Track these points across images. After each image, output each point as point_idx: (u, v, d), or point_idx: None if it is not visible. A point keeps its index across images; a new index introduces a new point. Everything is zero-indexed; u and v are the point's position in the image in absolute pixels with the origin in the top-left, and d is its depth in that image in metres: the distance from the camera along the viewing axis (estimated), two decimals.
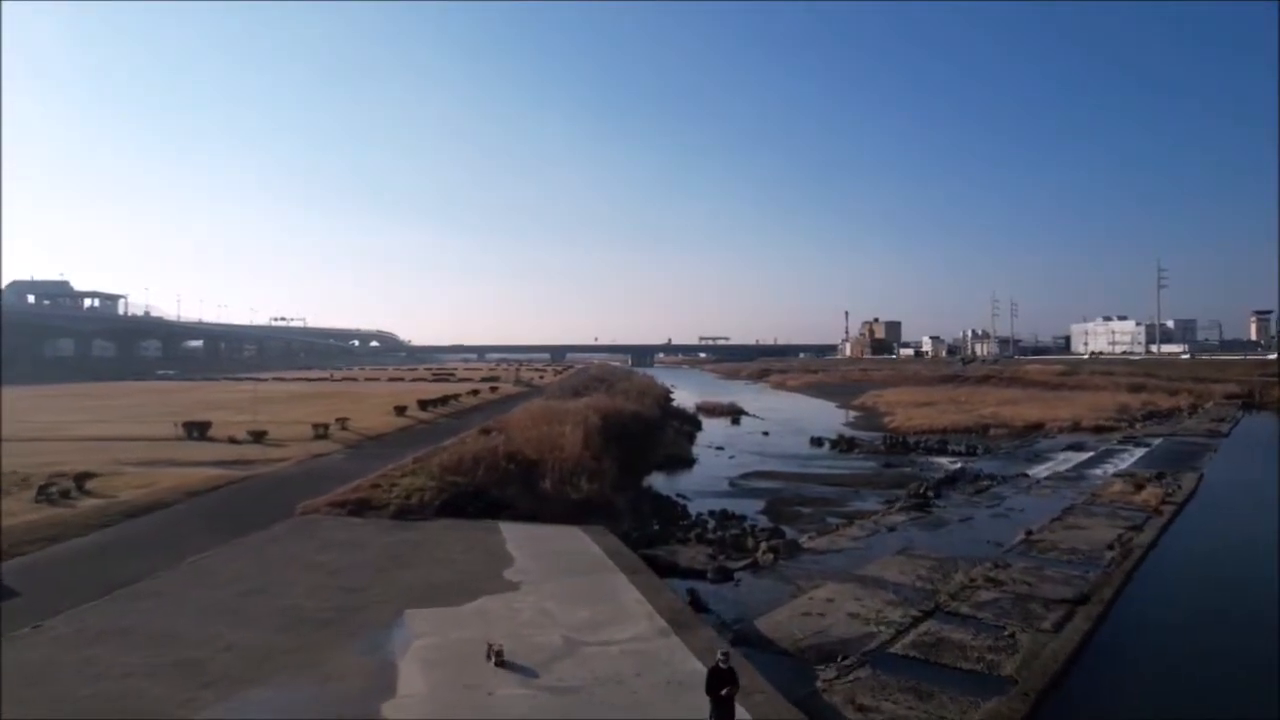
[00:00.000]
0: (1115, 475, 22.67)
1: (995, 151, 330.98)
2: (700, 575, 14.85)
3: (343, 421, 28.49)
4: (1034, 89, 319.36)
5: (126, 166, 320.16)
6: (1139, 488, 19.43)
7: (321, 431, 26.08)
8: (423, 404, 37.76)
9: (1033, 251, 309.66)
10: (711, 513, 22.58)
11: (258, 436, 24.52)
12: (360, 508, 15.37)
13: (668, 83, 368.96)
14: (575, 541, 13.57)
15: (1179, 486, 20.05)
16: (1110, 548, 14.15)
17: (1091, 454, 31.53)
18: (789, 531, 20.12)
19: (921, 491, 24.59)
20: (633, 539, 16.83)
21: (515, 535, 13.88)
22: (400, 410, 34.42)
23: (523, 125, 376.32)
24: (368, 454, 23.33)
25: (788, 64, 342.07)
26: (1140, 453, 30.05)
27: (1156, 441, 32.17)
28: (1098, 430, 43.21)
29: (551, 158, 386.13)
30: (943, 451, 36.97)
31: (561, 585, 10.88)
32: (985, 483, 26.21)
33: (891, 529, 18.32)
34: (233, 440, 24.50)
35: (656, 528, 20.04)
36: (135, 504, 14.74)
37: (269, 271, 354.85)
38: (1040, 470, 29.07)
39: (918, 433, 44.17)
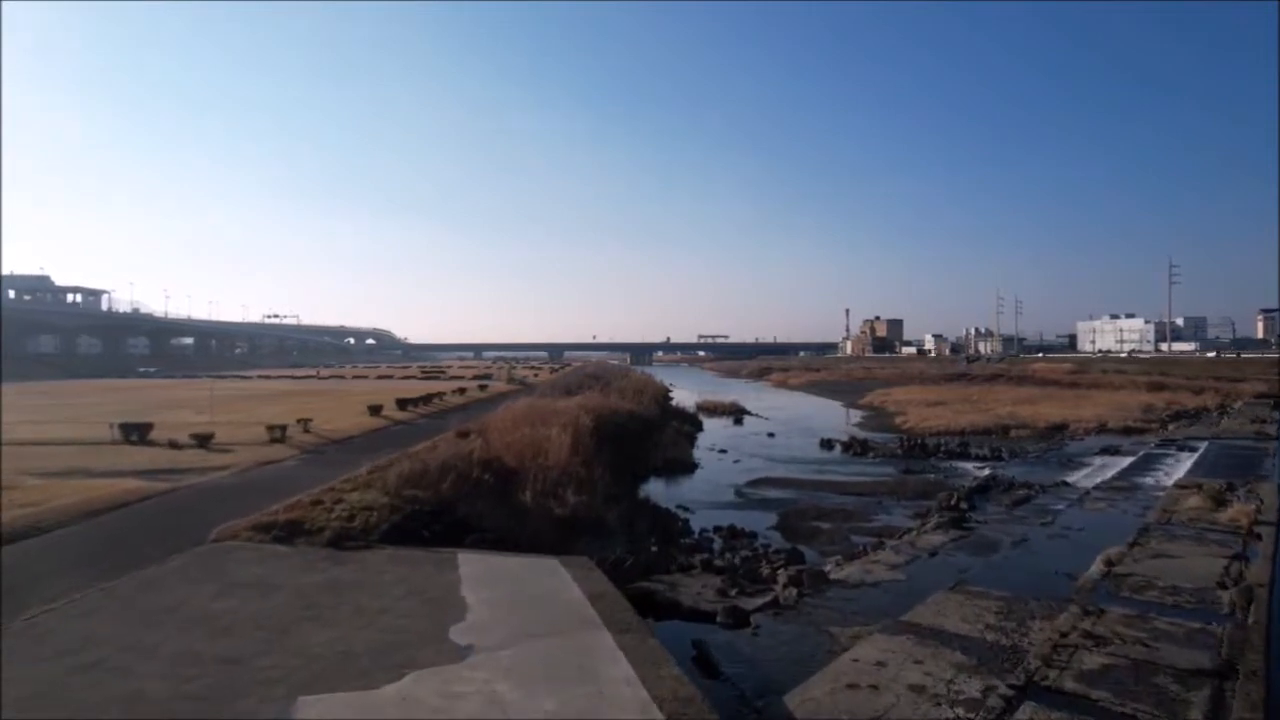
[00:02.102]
0: (1177, 486, 19.82)
1: (997, 148, 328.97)
2: (708, 618, 12.01)
3: (305, 423, 25.61)
4: (1034, 85, 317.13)
5: (110, 160, 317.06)
6: (1218, 503, 16.60)
7: (278, 434, 23.19)
8: (402, 403, 34.90)
9: (1034, 249, 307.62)
10: (717, 528, 19.79)
11: (203, 440, 21.62)
12: (290, 532, 12.49)
13: (666, 80, 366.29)
14: (550, 579, 10.71)
15: (1261, 500, 17.22)
16: (1222, 586, 11.32)
17: (1132, 459, 28.73)
18: (809, 554, 17.33)
19: (954, 503, 21.79)
20: (625, 567, 14.01)
21: (475, 571, 11.02)
22: (375, 410, 31.54)
23: (522, 123, 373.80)
24: (326, 460, 20.48)
25: (787, 61, 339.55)
26: (1188, 458, 27.22)
27: (1202, 445, 29.33)
28: (1126, 432, 40.48)
29: (550, 155, 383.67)
30: (965, 455, 34.18)
31: (525, 652, 8.02)
32: (1022, 492, 23.41)
33: (933, 553, 15.48)
34: (173, 444, 21.59)
35: (654, 548, 17.21)
36: (3, 529, 11.85)
37: (262, 269, 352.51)
38: (1079, 477, 26.27)
39: (934, 434, 41.41)
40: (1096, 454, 31.78)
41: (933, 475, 28.96)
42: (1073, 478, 25.95)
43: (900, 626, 10.50)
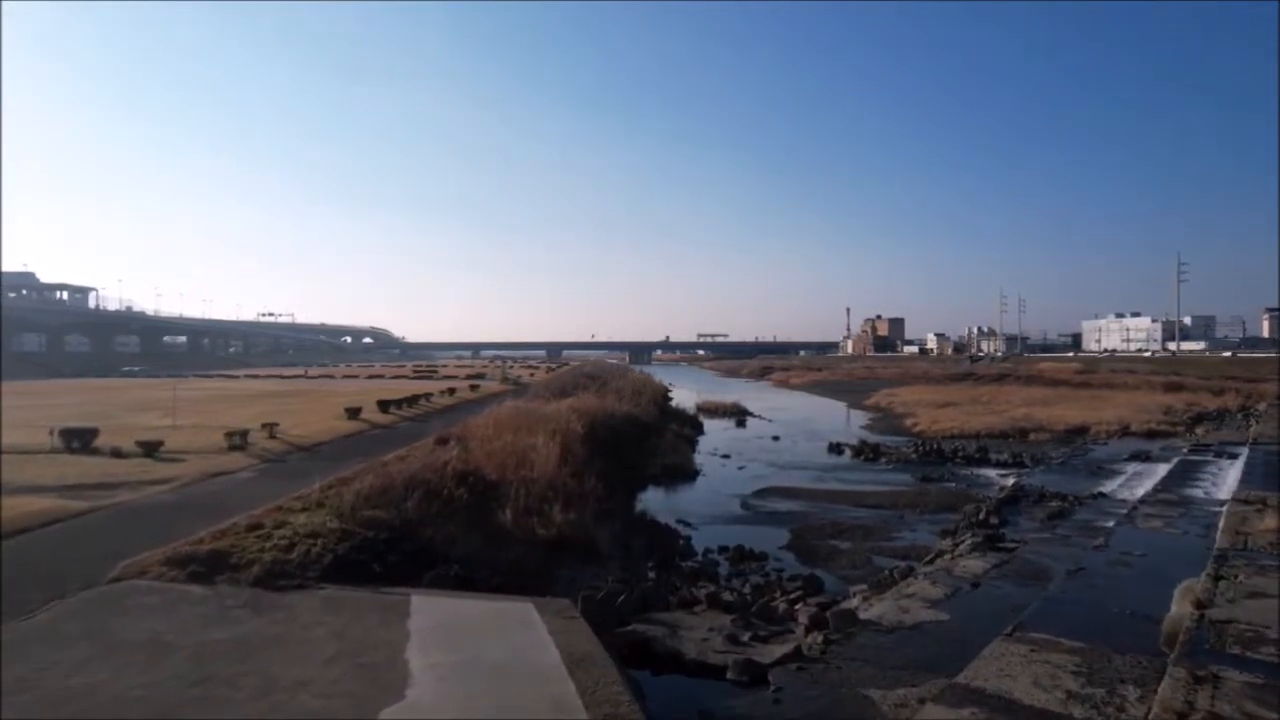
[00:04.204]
0: (1236, 500, 17.69)
1: (998, 145, 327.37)
2: (717, 673, 9.88)
3: (271, 428, 23.44)
4: (1035, 83, 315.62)
5: (102, 156, 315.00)
6: None
7: (238, 441, 21.04)
8: (384, 405, 32.74)
9: (1036, 247, 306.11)
10: (723, 549, 17.70)
11: (150, 448, 19.45)
12: (211, 567, 10.33)
13: (667, 78, 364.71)
14: (521, 635, 8.56)
15: None
16: None
17: (1168, 466, 26.58)
18: (828, 580, 15.24)
19: (983, 518, 19.71)
20: (617, 604, 11.88)
21: (429, 621, 8.88)
22: (354, 413, 29.36)
23: (522, 121, 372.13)
24: (287, 472, 18.31)
25: (788, 57, 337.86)
26: (1230, 465, 25.15)
27: (1242, 451, 27.21)
28: (1150, 435, 38.40)
29: (550, 153, 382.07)
30: (984, 461, 32.14)
31: None
32: (1055, 504, 21.30)
33: (975, 583, 13.35)
34: (117, 453, 19.44)
35: (652, 575, 15.12)
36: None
37: (259, 268, 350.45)
38: (1114, 486, 24.14)
39: (948, 437, 39.34)
40: (1126, 460, 29.69)
41: (953, 484, 26.91)
42: (1108, 488, 23.84)
43: (959, 694, 8.35)
